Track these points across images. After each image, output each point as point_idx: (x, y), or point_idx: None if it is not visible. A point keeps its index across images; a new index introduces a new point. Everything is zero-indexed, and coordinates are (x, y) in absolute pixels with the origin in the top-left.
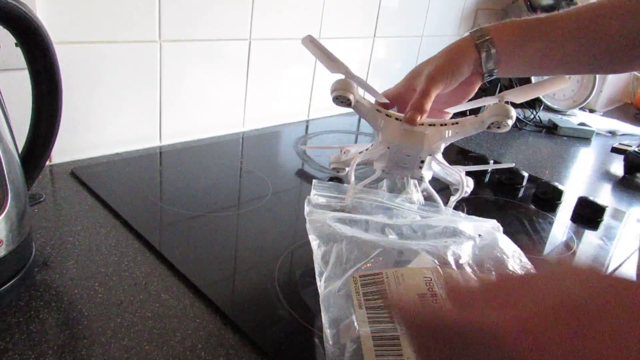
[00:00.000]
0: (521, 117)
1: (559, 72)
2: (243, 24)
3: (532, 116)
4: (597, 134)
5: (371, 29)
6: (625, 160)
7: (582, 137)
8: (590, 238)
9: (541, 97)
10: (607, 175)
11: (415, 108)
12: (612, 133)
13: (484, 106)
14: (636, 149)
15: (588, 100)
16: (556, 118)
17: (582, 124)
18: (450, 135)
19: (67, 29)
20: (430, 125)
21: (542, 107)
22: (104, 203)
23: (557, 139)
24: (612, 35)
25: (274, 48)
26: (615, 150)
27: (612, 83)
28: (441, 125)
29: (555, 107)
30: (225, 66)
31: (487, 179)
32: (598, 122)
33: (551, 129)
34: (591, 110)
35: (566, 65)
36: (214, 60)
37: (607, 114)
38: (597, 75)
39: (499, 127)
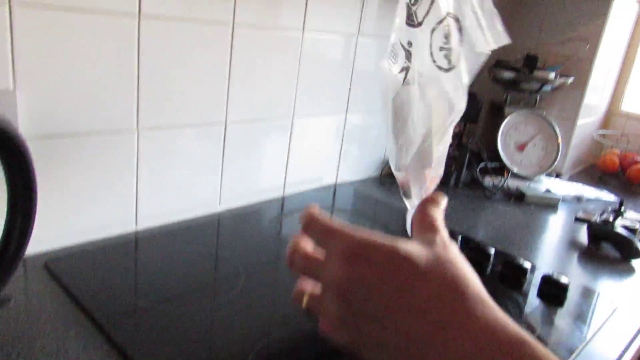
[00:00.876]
0: (490, 185)
1: None
2: (219, 110)
3: (500, 184)
4: (564, 200)
5: (344, 104)
6: (588, 230)
7: (549, 204)
8: (554, 316)
9: (509, 164)
10: (573, 246)
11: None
12: (578, 199)
13: None
14: (598, 219)
15: (553, 166)
16: (523, 186)
17: (548, 190)
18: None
19: (45, 123)
20: None
21: (510, 174)
22: (76, 300)
23: (525, 208)
24: None
25: (248, 130)
26: (578, 219)
27: (577, 146)
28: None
29: (522, 173)
30: (201, 149)
31: (489, 269)
32: (564, 188)
33: (519, 198)
34: (558, 174)
35: None
36: (190, 143)
37: (574, 177)
38: (561, 143)
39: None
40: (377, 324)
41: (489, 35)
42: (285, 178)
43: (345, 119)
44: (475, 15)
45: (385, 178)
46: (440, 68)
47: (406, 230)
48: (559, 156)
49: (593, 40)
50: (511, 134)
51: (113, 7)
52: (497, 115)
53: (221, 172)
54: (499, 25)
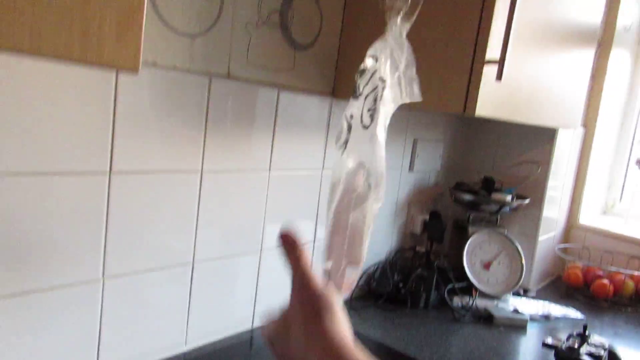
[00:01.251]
0: (459, 306)
1: None
2: (187, 251)
3: (469, 305)
4: (532, 319)
5: (311, 234)
6: (555, 357)
7: (518, 325)
8: None
9: (476, 284)
10: None
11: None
12: (546, 317)
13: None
14: (565, 344)
15: (519, 284)
16: (492, 306)
17: (516, 310)
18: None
19: (11, 279)
20: None
21: (477, 294)
22: None
23: (495, 330)
24: None
25: (216, 267)
26: (546, 345)
27: (540, 261)
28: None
29: (489, 292)
30: (168, 291)
31: None
32: (532, 306)
33: (488, 319)
34: (525, 290)
35: None
36: (157, 287)
37: (540, 292)
38: (524, 260)
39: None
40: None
41: (405, 93)
42: (253, 310)
43: (314, 248)
44: (398, 79)
45: (357, 302)
46: (365, 127)
47: None
48: (523, 274)
49: (544, 163)
50: (476, 253)
51: (84, 168)
52: (461, 234)
53: (188, 312)
54: (416, 88)
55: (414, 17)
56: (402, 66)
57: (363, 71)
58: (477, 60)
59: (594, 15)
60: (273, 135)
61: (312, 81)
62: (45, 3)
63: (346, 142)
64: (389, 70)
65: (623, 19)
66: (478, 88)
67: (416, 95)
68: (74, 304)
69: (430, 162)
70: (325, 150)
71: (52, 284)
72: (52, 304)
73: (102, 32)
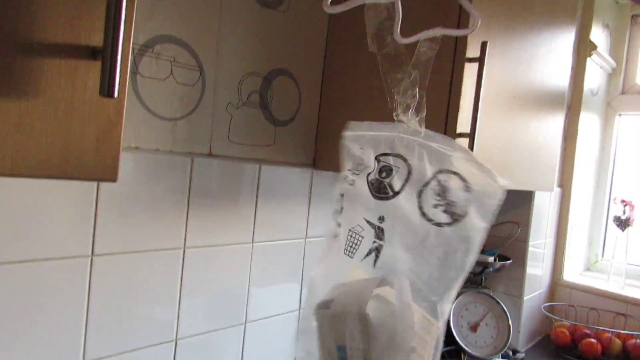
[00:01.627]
0: None
1: None
2: (169, 326)
3: None
4: None
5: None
6: None
7: None
8: None
9: (464, 347)
10: None
11: None
12: None
13: None
14: None
15: (507, 345)
16: None
17: None
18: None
19: None
20: None
21: (466, 357)
22: None
23: None
24: None
25: (201, 340)
26: None
27: (527, 320)
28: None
29: (476, 354)
30: None
31: None
32: None
33: None
34: (514, 351)
35: None
36: None
37: (529, 351)
38: (511, 321)
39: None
40: None
41: (494, 178)
42: None
43: (299, 314)
44: (472, 168)
45: None
46: (440, 224)
47: None
48: (511, 335)
49: (524, 223)
50: (463, 315)
51: (66, 253)
52: None
53: None
54: (493, 173)
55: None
56: (460, 153)
57: (388, 170)
58: (448, 133)
59: (561, 80)
60: (255, 209)
61: (293, 154)
62: (27, 128)
63: (376, 250)
64: (444, 159)
65: (589, 83)
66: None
67: (502, 178)
68: None
69: None
70: (307, 220)
71: None
72: None
73: (81, 147)
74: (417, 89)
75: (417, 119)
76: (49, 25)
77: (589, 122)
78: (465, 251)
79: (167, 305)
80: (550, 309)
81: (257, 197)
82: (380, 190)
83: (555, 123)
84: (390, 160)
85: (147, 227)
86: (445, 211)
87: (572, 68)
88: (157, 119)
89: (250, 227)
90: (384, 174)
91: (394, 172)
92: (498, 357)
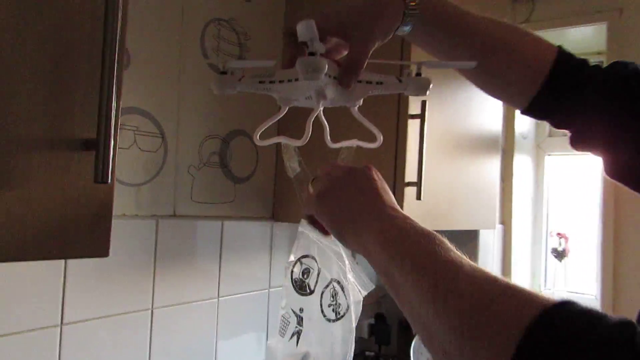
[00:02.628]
0: None
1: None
2: None
3: None
4: None
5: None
6: None
7: None
8: None
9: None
10: None
11: (353, 72)
12: None
13: (407, 71)
14: None
15: None
16: None
17: None
18: (372, 92)
19: None
20: (358, 81)
21: None
22: None
23: None
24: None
25: None
26: None
27: None
28: (367, 82)
29: None
30: None
31: None
32: None
33: None
34: None
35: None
36: None
37: None
38: None
39: (417, 96)
40: (336, 201)
41: (360, 286)
42: None
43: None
44: (350, 277)
45: None
46: (329, 320)
47: None
48: None
49: (471, 258)
50: (422, 351)
51: (35, 325)
52: (407, 334)
53: None
54: (365, 278)
55: None
56: (347, 265)
57: (307, 271)
58: (397, 183)
59: (495, 125)
60: (220, 263)
61: (253, 209)
62: (29, 216)
63: (298, 333)
64: (337, 269)
65: (520, 128)
66: (402, 207)
67: (368, 285)
68: None
69: (369, 268)
70: (270, 270)
71: None
72: None
73: (77, 229)
74: None
75: None
76: (48, 122)
77: (522, 162)
78: (346, 344)
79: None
80: None
81: (220, 252)
82: (302, 287)
83: (492, 165)
84: (310, 263)
85: (115, 292)
86: (334, 310)
87: (504, 115)
88: (122, 186)
89: (215, 282)
90: (304, 274)
91: (311, 273)
92: None
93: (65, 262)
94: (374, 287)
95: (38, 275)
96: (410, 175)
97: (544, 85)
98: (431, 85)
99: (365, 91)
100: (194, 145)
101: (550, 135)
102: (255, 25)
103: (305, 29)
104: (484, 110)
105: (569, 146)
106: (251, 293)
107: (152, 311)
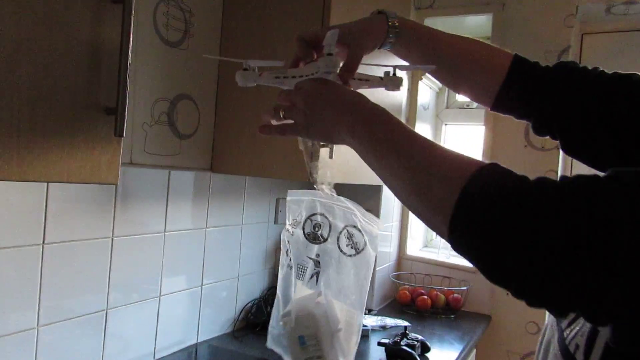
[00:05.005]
0: None
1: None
2: (101, 299)
3: None
4: (373, 330)
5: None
6: (385, 351)
7: (362, 335)
8: None
9: None
10: None
11: (350, 71)
12: (383, 327)
13: (387, 72)
14: (390, 342)
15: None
16: None
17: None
18: (362, 87)
19: None
20: (352, 78)
21: None
22: None
23: None
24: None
25: (129, 311)
26: (380, 344)
27: (380, 286)
28: (359, 79)
29: None
30: (82, 340)
31: None
32: (373, 321)
33: None
34: (369, 310)
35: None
36: (74, 336)
37: (381, 310)
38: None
39: (394, 91)
40: (312, 112)
41: (373, 223)
42: (155, 344)
43: (201, 292)
44: (361, 218)
45: (238, 332)
46: (349, 255)
47: None
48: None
49: (375, 210)
50: None
51: (18, 242)
52: None
53: (104, 339)
54: (374, 217)
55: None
56: (357, 214)
57: (318, 225)
58: (314, 145)
59: (399, 97)
60: (167, 205)
61: (195, 161)
62: (78, 155)
63: (317, 274)
64: (348, 216)
65: (421, 100)
66: (317, 164)
67: (379, 222)
68: (8, 353)
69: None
70: (207, 212)
71: None
72: None
73: (100, 165)
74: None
75: (329, 186)
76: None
77: (423, 130)
78: (366, 270)
79: (99, 285)
80: (397, 277)
81: (167, 196)
82: (316, 238)
83: None
84: (318, 219)
85: (83, 222)
86: (352, 247)
87: (408, 89)
88: None
89: (162, 220)
90: (316, 228)
91: (322, 226)
92: None
93: (47, 190)
94: (383, 224)
95: (22, 199)
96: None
97: (503, 86)
98: (404, 82)
99: (357, 85)
100: (147, 106)
101: (447, 107)
102: (198, 3)
103: (332, 36)
104: None
105: (463, 117)
106: (189, 231)
107: (112, 239)
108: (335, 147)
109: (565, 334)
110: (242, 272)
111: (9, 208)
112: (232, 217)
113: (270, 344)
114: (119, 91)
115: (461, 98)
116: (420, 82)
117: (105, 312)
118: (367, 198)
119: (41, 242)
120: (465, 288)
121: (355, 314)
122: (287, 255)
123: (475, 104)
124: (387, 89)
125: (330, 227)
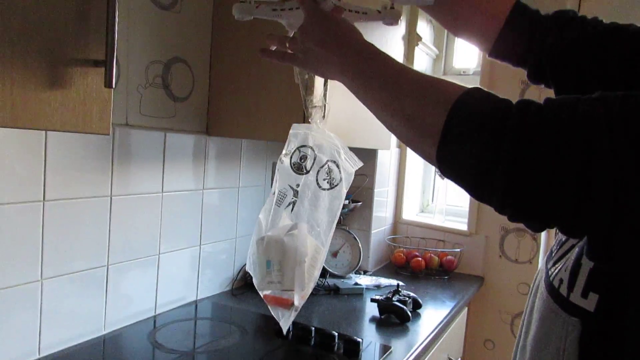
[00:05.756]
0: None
1: None
2: (101, 256)
3: (323, 282)
4: (367, 289)
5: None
6: (378, 306)
7: (357, 293)
8: None
9: (326, 266)
10: (372, 319)
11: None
12: (377, 286)
13: (385, 6)
14: (383, 298)
15: (358, 266)
16: (339, 282)
17: (356, 283)
18: (360, 20)
19: None
20: (349, 10)
21: (328, 275)
22: None
23: (341, 298)
24: None
25: (129, 266)
26: (372, 300)
27: (375, 249)
28: (355, 12)
29: (337, 273)
30: (82, 292)
31: (312, 342)
32: (368, 280)
33: (336, 291)
34: (365, 271)
35: None
36: (75, 288)
37: (377, 272)
38: (362, 249)
39: (391, 25)
40: (307, 47)
41: (352, 163)
42: (156, 300)
43: (200, 251)
44: (343, 156)
45: (237, 290)
46: (323, 189)
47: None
48: (361, 259)
49: (370, 175)
50: None
51: (20, 199)
52: None
53: (105, 294)
54: (356, 158)
55: (326, 118)
56: (341, 149)
57: (304, 157)
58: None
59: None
60: (163, 167)
61: (190, 124)
62: (70, 104)
63: (293, 203)
64: (332, 152)
65: (417, 67)
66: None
67: (358, 163)
68: (15, 303)
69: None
70: (204, 174)
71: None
72: None
73: (91, 115)
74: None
75: (322, 122)
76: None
77: None
78: (338, 204)
79: (100, 237)
80: (393, 240)
81: (163, 158)
82: (300, 169)
83: None
84: (308, 151)
85: (82, 180)
86: (328, 182)
87: (404, 55)
88: None
89: (159, 180)
90: (302, 160)
91: (307, 158)
92: (352, 274)
93: (46, 147)
94: (362, 164)
95: (22, 157)
96: (316, 100)
97: (502, 30)
98: (402, 16)
99: (354, 19)
100: (142, 69)
101: (444, 73)
102: None
103: None
104: (387, 50)
105: (460, 83)
106: (188, 193)
107: (110, 199)
108: (327, 110)
109: (550, 272)
110: (240, 234)
111: (10, 163)
112: (230, 179)
113: (247, 266)
114: (107, 42)
115: (458, 65)
116: (416, 47)
117: (106, 267)
118: (362, 161)
119: (42, 199)
120: (459, 250)
121: (321, 250)
122: (275, 183)
123: (471, 70)
124: (385, 22)
125: (314, 160)
